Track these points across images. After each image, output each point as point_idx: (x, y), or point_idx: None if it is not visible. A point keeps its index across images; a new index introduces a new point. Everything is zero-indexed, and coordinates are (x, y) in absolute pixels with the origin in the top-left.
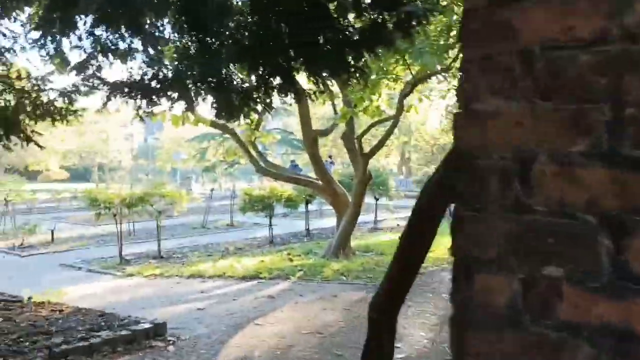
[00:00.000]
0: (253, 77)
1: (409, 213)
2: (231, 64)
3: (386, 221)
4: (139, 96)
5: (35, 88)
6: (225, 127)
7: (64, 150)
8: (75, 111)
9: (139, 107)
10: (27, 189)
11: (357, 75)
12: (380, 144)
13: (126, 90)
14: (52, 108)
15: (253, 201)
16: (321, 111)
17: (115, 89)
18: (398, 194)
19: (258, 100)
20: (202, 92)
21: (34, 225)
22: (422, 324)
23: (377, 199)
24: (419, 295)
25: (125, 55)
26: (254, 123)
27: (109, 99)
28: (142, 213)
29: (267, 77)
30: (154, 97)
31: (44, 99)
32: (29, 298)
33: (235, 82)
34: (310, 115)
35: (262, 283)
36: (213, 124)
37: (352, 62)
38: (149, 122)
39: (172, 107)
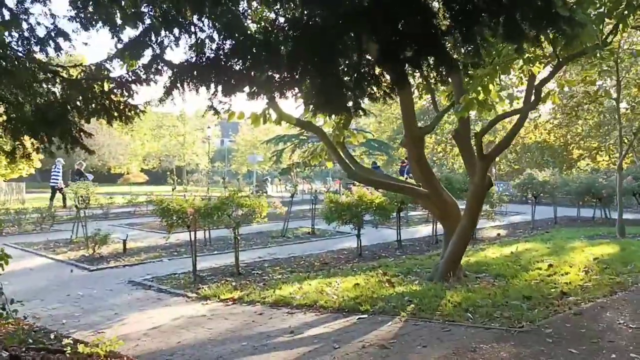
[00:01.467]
0: (370, 50)
1: (508, 220)
2: (341, 33)
3: (485, 230)
4: (212, 81)
5: (88, 77)
6: (312, 125)
7: (144, 154)
8: (135, 106)
9: (213, 95)
10: (100, 193)
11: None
12: (505, 143)
13: (195, 73)
14: (107, 102)
15: (340, 210)
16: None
17: (183, 72)
18: (501, 200)
19: (381, 80)
20: (300, 72)
21: (105, 235)
22: None
23: None
24: (595, 353)
25: (194, 27)
26: (341, 121)
27: (173, 85)
28: (217, 223)
29: (396, 47)
30: (232, 81)
31: (98, 90)
32: (71, 349)
33: (344, 59)
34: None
35: (364, 320)
36: (299, 123)
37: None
38: (225, 125)
39: (254, 96)
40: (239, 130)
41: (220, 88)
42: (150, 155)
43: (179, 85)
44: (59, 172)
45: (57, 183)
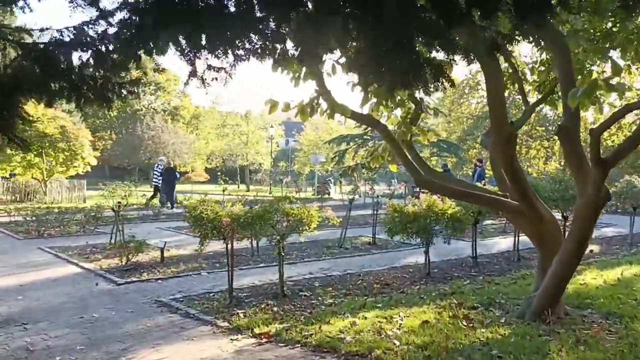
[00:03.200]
0: None
1: (600, 233)
2: None
3: None
4: (193, 31)
5: (54, 44)
6: (372, 120)
7: (208, 153)
8: (120, 85)
9: (195, 56)
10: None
11: None
12: (631, 144)
13: (165, 18)
14: (75, 78)
15: (405, 221)
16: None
17: (142, 15)
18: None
19: None
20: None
21: (140, 242)
22: None
23: None
24: None
25: None
26: (409, 115)
27: (134, 38)
28: (260, 234)
29: None
30: (226, 31)
31: (65, 63)
32: None
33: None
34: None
35: None
36: (355, 116)
37: None
38: (290, 125)
39: (263, 55)
40: (302, 130)
41: (211, 47)
42: (213, 154)
43: (141, 38)
44: (160, 171)
45: (159, 182)
